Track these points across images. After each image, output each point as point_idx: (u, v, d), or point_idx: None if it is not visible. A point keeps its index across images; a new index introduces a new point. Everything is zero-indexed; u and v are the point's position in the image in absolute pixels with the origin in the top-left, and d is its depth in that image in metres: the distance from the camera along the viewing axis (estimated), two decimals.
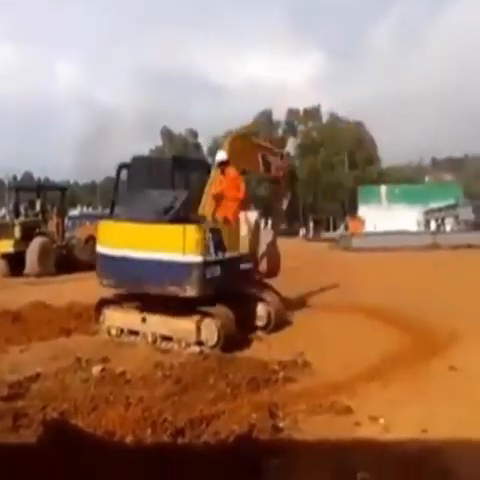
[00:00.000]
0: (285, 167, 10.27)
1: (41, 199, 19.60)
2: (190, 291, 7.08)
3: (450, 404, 5.12)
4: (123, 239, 7.57)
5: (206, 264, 7.17)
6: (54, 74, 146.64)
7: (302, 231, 60.03)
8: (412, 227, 41.15)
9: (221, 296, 7.38)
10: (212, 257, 7.30)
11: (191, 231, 7.08)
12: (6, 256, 17.74)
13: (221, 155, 8.27)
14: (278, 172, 9.97)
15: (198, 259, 7.08)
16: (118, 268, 7.59)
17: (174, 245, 7.12)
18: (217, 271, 7.37)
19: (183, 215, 7.39)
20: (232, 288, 7.72)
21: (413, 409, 5.05)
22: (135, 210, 7.74)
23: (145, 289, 7.43)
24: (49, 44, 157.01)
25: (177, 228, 7.15)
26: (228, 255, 7.66)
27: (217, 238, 7.44)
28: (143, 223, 7.42)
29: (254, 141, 9.96)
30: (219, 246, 7.44)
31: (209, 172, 8.54)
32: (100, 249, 7.89)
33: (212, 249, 7.30)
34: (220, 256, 7.44)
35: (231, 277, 7.67)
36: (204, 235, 7.16)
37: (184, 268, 7.08)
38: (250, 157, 9.13)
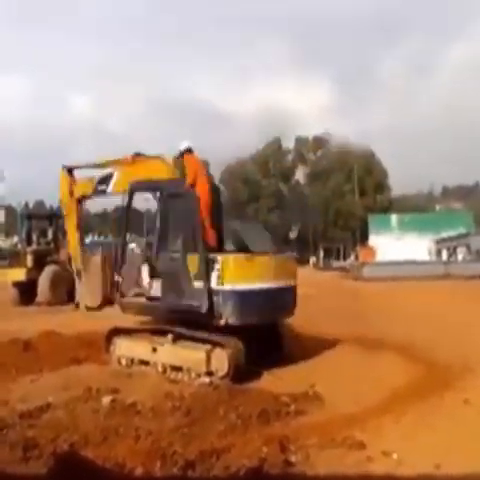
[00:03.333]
0: None
1: (53, 227, 19.82)
2: None
3: (464, 439, 5.03)
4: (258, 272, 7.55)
5: None
6: (66, 104, 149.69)
7: (312, 260, 59.94)
8: (423, 256, 40.88)
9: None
10: None
11: None
12: (18, 284, 17.85)
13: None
14: None
15: None
16: (257, 301, 7.45)
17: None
18: None
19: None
20: None
21: (426, 444, 4.96)
22: (245, 242, 8.00)
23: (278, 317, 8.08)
24: (62, 75, 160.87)
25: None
26: None
27: None
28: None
29: None
30: None
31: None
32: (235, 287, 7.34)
33: None
34: None
35: None
36: None
37: None
38: None
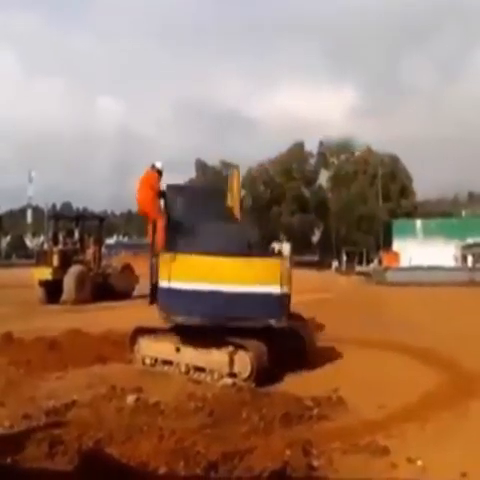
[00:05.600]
0: None
1: (79, 228, 20.15)
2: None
3: None
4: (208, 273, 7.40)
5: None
6: (94, 107, 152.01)
7: (335, 264, 59.49)
8: (449, 262, 40.18)
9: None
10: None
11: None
12: (44, 283, 18.17)
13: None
14: None
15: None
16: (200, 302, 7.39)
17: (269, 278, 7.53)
18: None
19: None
20: None
21: (452, 451, 4.89)
22: (208, 243, 7.68)
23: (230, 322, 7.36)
24: (91, 78, 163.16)
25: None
26: None
27: None
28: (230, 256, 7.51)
29: None
30: None
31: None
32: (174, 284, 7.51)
33: None
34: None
35: None
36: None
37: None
38: None
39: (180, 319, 7.50)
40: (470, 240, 44.93)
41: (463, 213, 68.66)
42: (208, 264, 7.42)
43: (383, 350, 9.23)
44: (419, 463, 4.62)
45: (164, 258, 7.70)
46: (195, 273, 7.41)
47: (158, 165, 9.00)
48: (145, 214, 8.78)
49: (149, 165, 9.01)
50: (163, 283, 7.64)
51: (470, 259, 42.28)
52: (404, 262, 40.44)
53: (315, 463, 4.62)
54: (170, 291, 7.53)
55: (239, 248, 7.80)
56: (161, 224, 8.28)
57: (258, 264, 7.66)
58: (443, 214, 67.04)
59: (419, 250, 41.80)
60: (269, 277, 7.52)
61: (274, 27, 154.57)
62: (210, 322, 7.30)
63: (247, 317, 7.35)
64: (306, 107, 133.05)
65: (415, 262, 37.27)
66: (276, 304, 7.54)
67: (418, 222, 51.30)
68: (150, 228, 8.65)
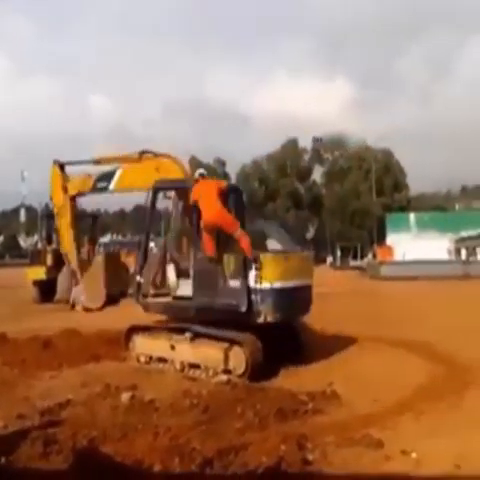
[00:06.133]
0: None
1: None
2: None
3: None
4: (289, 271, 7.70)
5: None
6: (87, 105, 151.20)
7: (329, 259, 59.65)
8: (443, 256, 40.32)
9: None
10: None
11: None
12: (38, 283, 18.07)
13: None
14: None
15: None
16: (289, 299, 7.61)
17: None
18: None
19: None
20: None
21: (446, 443, 4.90)
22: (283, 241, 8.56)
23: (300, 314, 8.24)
24: (82, 77, 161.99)
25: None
26: None
27: None
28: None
29: None
30: None
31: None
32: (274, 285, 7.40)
33: None
34: None
35: None
36: None
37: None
38: None
39: (290, 316, 7.81)
40: (464, 233, 45.11)
41: (456, 207, 68.91)
42: (299, 261, 8.10)
43: (377, 344, 9.25)
44: (413, 455, 4.64)
45: (273, 258, 7.55)
46: (295, 271, 7.82)
47: (202, 171, 8.21)
48: (222, 229, 7.62)
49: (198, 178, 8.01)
50: (276, 284, 7.39)
51: (464, 252, 42.46)
52: (398, 256, 40.53)
53: (310, 457, 4.64)
54: (283, 291, 7.47)
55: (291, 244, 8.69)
56: (242, 233, 7.46)
57: (309, 258, 8.66)
58: (437, 208, 67.30)
59: (413, 244, 41.86)
60: (310, 269, 8.38)
61: (266, 21, 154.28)
62: (299, 317, 8.25)
63: (307, 308, 8.14)
64: (300, 103, 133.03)
65: (409, 256, 37.35)
66: (311, 294, 8.18)
67: (412, 216, 51.40)
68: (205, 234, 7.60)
